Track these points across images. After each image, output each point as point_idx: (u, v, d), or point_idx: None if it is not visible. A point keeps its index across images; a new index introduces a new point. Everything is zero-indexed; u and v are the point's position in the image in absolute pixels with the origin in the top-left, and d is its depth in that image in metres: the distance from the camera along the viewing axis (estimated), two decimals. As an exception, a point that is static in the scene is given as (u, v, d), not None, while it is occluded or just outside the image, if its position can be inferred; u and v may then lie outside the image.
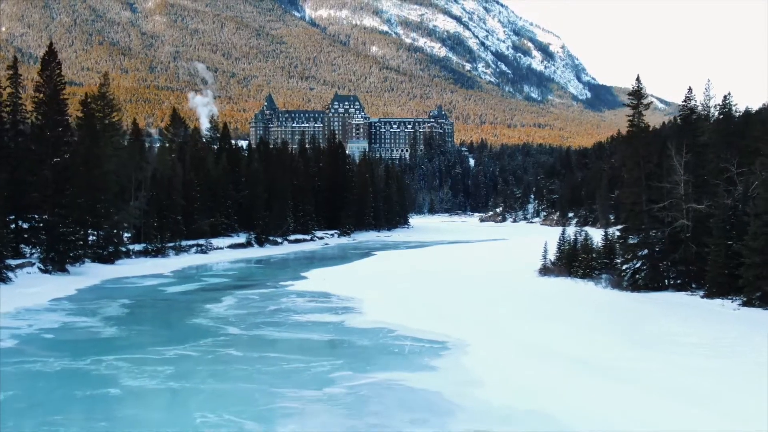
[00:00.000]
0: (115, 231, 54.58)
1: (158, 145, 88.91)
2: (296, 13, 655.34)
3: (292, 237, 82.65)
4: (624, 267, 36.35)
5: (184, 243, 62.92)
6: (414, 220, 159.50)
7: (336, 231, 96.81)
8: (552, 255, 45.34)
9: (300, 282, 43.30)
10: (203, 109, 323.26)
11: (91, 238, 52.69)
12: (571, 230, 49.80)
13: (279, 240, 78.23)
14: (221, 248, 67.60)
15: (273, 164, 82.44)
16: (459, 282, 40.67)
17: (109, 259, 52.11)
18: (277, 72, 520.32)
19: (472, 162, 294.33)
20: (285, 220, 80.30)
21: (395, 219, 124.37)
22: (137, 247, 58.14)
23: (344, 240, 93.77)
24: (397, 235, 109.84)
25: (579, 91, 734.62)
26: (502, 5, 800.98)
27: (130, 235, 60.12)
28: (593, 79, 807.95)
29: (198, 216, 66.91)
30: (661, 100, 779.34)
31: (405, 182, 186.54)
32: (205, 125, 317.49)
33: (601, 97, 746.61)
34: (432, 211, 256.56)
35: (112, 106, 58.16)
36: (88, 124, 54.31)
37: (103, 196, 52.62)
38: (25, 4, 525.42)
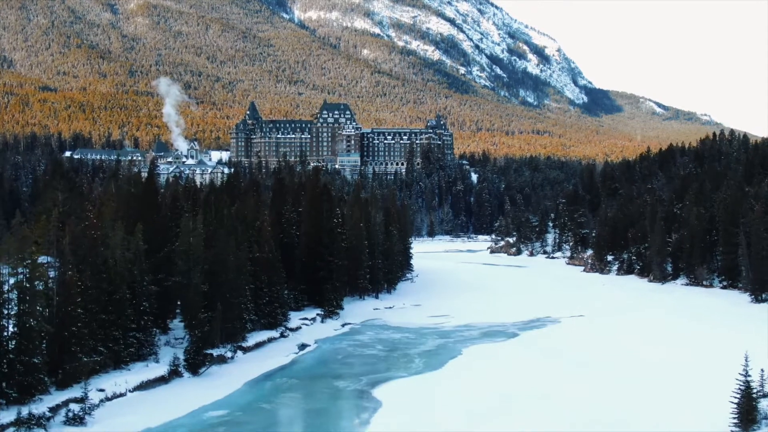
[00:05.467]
0: None
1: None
2: (285, 15, 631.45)
3: (252, 339, 55.21)
4: None
5: (43, 405, 35.56)
6: (413, 247, 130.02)
7: (319, 311, 69.54)
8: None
9: None
10: (170, 97, 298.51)
11: None
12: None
13: (228, 354, 50.60)
14: (120, 395, 40.21)
15: (221, 232, 54.83)
16: None
17: None
18: (264, 76, 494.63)
19: (474, 177, 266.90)
20: (239, 319, 52.95)
21: (397, 273, 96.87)
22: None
23: (330, 327, 66.40)
24: (400, 303, 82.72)
25: (575, 96, 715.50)
26: (496, 7, 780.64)
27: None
28: (589, 82, 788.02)
29: (80, 346, 39.51)
30: (659, 104, 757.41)
31: (408, 208, 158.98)
32: (173, 117, 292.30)
33: (597, 101, 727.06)
34: (431, 233, 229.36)
35: None
36: None
37: None
38: (0, 5, 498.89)
